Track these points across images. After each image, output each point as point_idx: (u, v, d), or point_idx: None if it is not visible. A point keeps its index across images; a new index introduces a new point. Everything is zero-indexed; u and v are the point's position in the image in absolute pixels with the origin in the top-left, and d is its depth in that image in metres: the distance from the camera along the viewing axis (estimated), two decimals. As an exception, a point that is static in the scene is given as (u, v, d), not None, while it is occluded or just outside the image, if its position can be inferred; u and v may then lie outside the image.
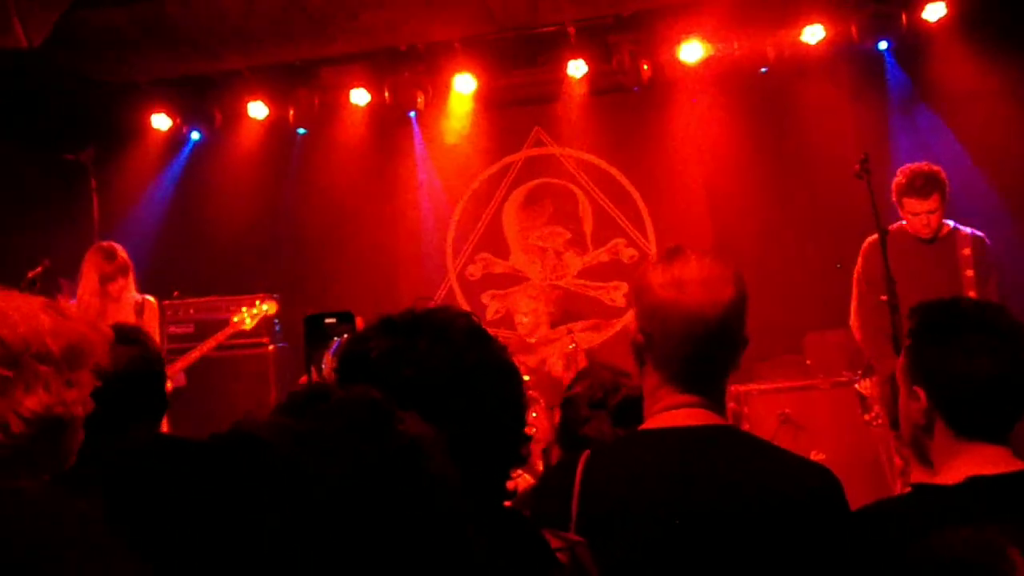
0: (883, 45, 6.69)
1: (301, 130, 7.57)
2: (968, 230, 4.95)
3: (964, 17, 6.41)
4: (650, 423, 1.81)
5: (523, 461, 1.51)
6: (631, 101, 7.41)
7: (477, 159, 7.76)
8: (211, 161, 7.78)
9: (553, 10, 6.56)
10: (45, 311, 1.60)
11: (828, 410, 5.60)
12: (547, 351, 6.73)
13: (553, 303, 7.40)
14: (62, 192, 6.78)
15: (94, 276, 5.39)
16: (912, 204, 4.86)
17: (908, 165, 4.95)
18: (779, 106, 7.08)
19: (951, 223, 4.97)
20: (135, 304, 5.48)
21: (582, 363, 6.03)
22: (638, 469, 1.75)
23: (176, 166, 7.83)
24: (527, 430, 1.54)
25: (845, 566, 1.66)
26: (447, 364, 1.42)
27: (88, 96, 6.94)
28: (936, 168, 4.89)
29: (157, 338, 5.45)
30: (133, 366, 2.29)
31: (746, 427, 5.48)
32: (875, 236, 4.76)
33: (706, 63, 6.85)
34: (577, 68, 6.98)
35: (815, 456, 4.92)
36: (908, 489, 1.87)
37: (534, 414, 5.81)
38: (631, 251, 7.53)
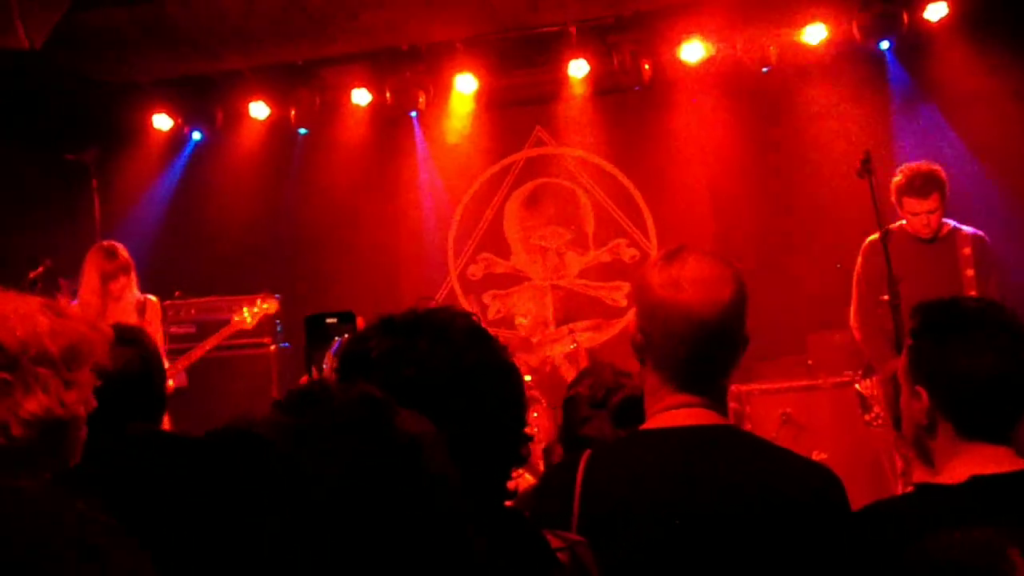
0: (885, 45, 6.68)
1: (302, 130, 7.57)
2: (969, 229, 4.94)
3: (965, 16, 6.41)
4: (651, 423, 1.81)
5: (523, 461, 1.51)
6: (632, 101, 7.41)
7: (478, 159, 7.76)
8: (212, 161, 7.79)
9: (554, 10, 6.56)
10: (43, 312, 1.60)
11: (830, 410, 5.60)
12: (549, 351, 6.73)
13: (554, 303, 7.40)
14: (63, 192, 6.79)
15: (95, 275, 5.39)
16: (912, 204, 4.85)
17: (907, 164, 4.93)
18: (781, 106, 7.08)
19: (951, 222, 4.95)
20: (137, 303, 5.49)
21: (584, 363, 6.03)
22: (639, 469, 1.75)
23: (177, 166, 7.83)
24: (528, 430, 1.54)
25: (847, 566, 1.66)
26: (447, 364, 1.42)
27: (89, 96, 6.95)
28: (935, 167, 4.87)
29: (159, 338, 5.46)
30: (131, 367, 2.29)
31: (748, 427, 5.47)
32: (875, 236, 4.75)
33: (707, 63, 6.85)
34: (578, 68, 6.98)
35: (817, 456, 4.92)
36: (910, 489, 1.87)
37: (535, 414, 5.81)
38: (632, 251, 7.53)
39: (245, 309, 5.88)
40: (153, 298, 5.64)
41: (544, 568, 1.43)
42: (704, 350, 1.74)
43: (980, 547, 1.16)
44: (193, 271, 7.29)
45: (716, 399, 1.79)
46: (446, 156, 7.77)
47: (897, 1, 6.45)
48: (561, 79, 7.23)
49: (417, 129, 7.73)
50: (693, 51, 6.74)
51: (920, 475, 1.87)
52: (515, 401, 1.50)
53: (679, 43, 6.74)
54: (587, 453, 1.80)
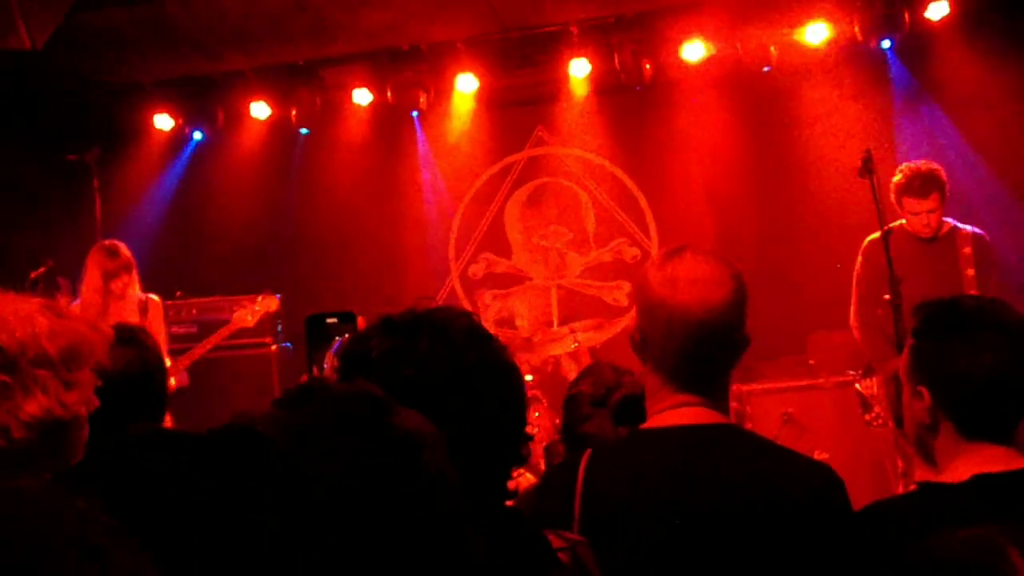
0: (886, 44, 6.67)
1: (303, 130, 7.57)
2: (969, 228, 4.92)
3: (967, 15, 6.41)
4: (652, 422, 1.80)
5: (524, 461, 1.51)
6: (633, 101, 7.40)
7: (479, 159, 7.77)
8: (213, 161, 7.79)
9: (555, 9, 6.56)
10: (43, 313, 1.60)
11: (831, 410, 5.59)
12: (551, 351, 6.73)
13: (556, 303, 7.40)
14: (64, 192, 6.79)
15: (97, 274, 5.40)
16: (911, 204, 4.83)
17: (907, 164, 4.92)
18: (782, 105, 7.08)
19: (951, 221, 4.94)
20: (139, 302, 5.49)
21: (586, 362, 6.03)
22: (640, 468, 1.75)
23: (178, 166, 7.84)
24: (529, 429, 1.54)
25: (848, 566, 1.66)
26: (447, 364, 1.42)
27: (91, 96, 6.96)
28: (935, 167, 4.85)
29: (162, 336, 5.46)
30: (132, 366, 2.29)
31: (749, 426, 5.47)
32: (875, 235, 4.74)
33: (708, 62, 6.84)
34: (579, 68, 6.98)
35: (818, 456, 4.91)
36: (912, 488, 1.86)
37: (536, 413, 5.81)
38: (634, 251, 7.52)
39: (246, 307, 5.88)
40: (155, 297, 5.65)
41: (545, 568, 1.43)
42: (702, 350, 1.74)
43: (981, 546, 1.15)
44: (194, 271, 7.30)
45: (717, 398, 1.79)
46: (447, 156, 7.77)
47: (898, 0, 6.45)
48: (562, 79, 7.22)
49: (418, 129, 7.73)
50: (694, 51, 6.74)
51: (922, 474, 1.87)
52: (515, 401, 1.50)
53: (680, 43, 6.74)
54: (588, 453, 1.80)
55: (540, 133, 7.74)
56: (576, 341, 6.45)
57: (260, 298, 5.94)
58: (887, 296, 4.40)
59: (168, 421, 2.96)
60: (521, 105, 7.70)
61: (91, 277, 5.42)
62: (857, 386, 5.01)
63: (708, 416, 1.76)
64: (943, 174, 4.83)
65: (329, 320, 2.16)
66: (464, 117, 7.57)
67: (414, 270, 7.79)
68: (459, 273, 7.78)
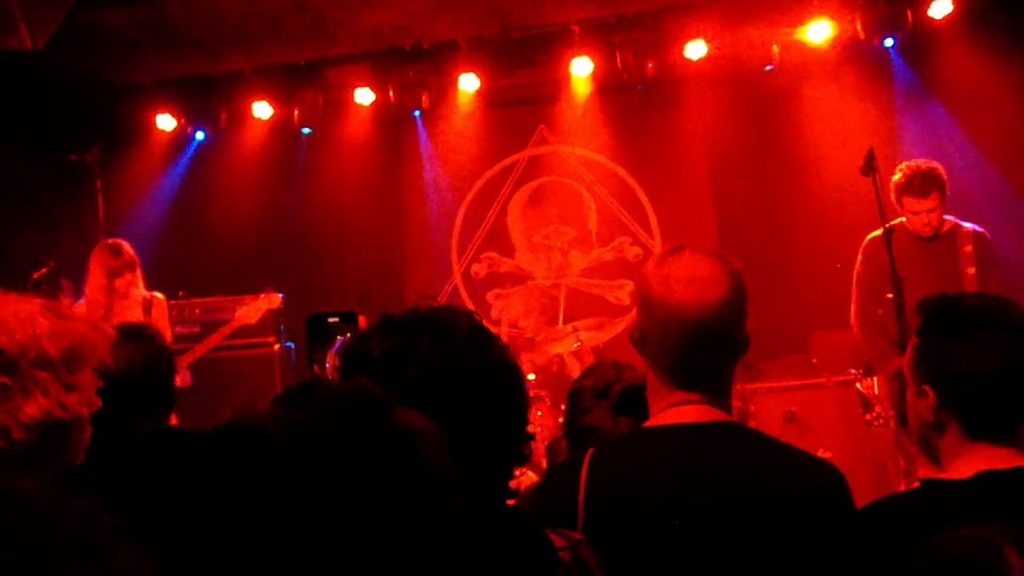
0: (889, 42, 6.66)
1: (306, 130, 7.57)
2: (970, 226, 4.89)
3: (970, 13, 6.40)
4: (654, 420, 1.80)
5: (526, 460, 1.51)
6: (635, 99, 7.40)
7: (481, 158, 7.77)
8: (216, 161, 7.80)
9: (557, 9, 6.55)
10: (44, 314, 1.60)
11: (834, 409, 5.59)
12: (553, 350, 6.73)
13: (559, 301, 7.40)
14: (67, 193, 6.79)
15: (101, 273, 5.40)
16: (911, 203, 4.81)
17: (907, 163, 4.89)
18: (784, 104, 7.07)
19: (952, 219, 4.91)
20: (143, 300, 5.49)
21: (589, 361, 6.03)
22: (642, 466, 1.74)
23: (181, 166, 7.84)
24: (530, 428, 1.53)
25: (851, 563, 1.65)
26: (449, 363, 1.42)
27: (92, 97, 6.96)
28: (935, 165, 4.83)
29: (167, 334, 5.46)
30: (137, 365, 2.29)
31: (752, 425, 5.46)
32: (876, 233, 4.73)
33: (710, 61, 6.84)
34: (581, 67, 6.98)
35: (821, 455, 4.90)
36: (915, 485, 1.86)
37: (539, 412, 5.81)
38: (636, 249, 7.52)
39: (248, 305, 5.88)
40: (159, 295, 5.65)
41: (546, 567, 1.43)
42: (699, 348, 1.73)
43: (980, 546, 1.15)
44: (197, 271, 7.30)
45: (718, 396, 1.79)
46: (449, 155, 7.77)
47: (901, -1, 6.44)
48: (564, 78, 7.22)
49: (421, 128, 7.74)
50: (696, 50, 6.73)
51: (925, 472, 1.86)
52: (517, 400, 1.50)
53: (682, 42, 6.73)
54: (591, 451, 1.80)
55: (542, 132, 7.73)
56: (579, 340, 6.45)
57: (262, 295, 5.94)
58: (889, 295, 4.39)
59: (172, 420, 2.97)
60: (523, 104, 7.70)
61: (95, 276, 5.42)
62: (858, 385, 5.00)
63: (710, 414, 1.76)
64: (943, 172, 4.81)
65: (331, 319, 2.17)
66: (466, 116, 7.57)
67: (417, 269, 7.79)
68: (461, 272, 7.78)
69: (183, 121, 7.54)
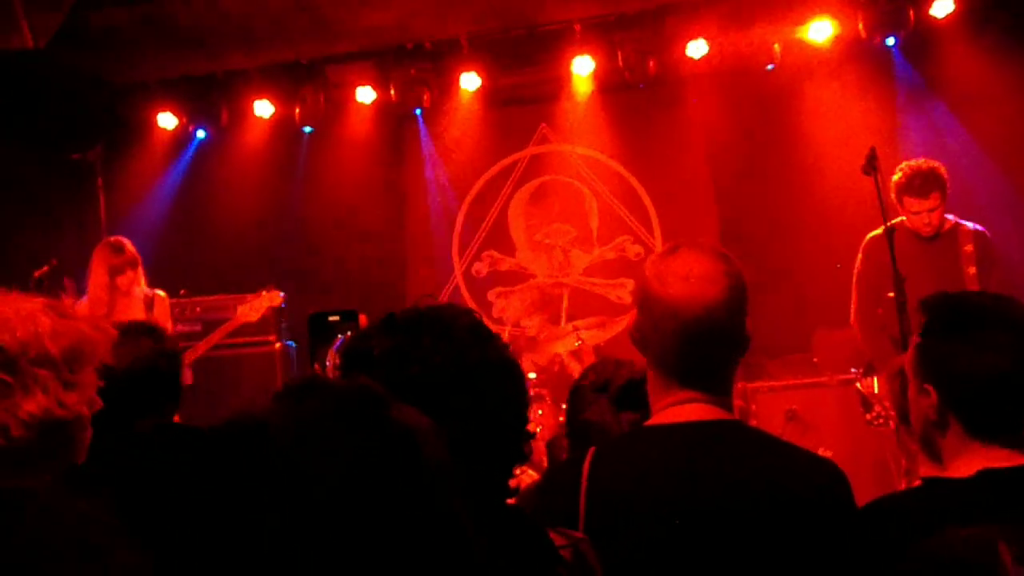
0: (891, 41, 6.66)
1: (307, 128, 7.57)
2: (971, 225, 4.88)
3: (972, 12, 6.39)
4: (656, 419, 1.80)
5: (526, 458, 1.51)
6: (637, 98, 7.40)
7: (483, 156, 7.77)
8: (217, 160, 7.80)
9: (559, 7, 6.55)
10: (45, 313, 1.60)
11: (835, 407, 5.58)
12: (554, 348, 6.73)
13: (560, 300, 7.40)
14: (69, 192, 6.81)
15: (103, 270, 5.41)
16: (912, 203, 4.80)
17: (907, 163, 4.88)
18: (786, 103, 7.06)
19: (953, 218, 4.90)
20: (145, 298, 5.50)
21: (590, 360, 6.03)
22: (644, 465, 1.74)
23: (182, 165, 7.84)
24: (531, 427, 1.53)
25: (853, 561, 1.65)
26: (450, 362, 1.42)
27: (94, 96, 6.96)
28: (935, 165, 4.81)
29: (169, 332, 5.46)
30: (142, 362, 2.29)
31: (753, 424, 5.46)
32: (876, 232, 4.72)
33: (712, 60, 6.83)
34: (583, 65, 6.97)
35: (822, 453, 4.90)
36: (917, 484, 1.85)
37: (540, 411, 5.81)
38: (637, 248, 7.52)
39: (250, 302, 5.87)
40: (161, 293, 5.65)
41: (546, 566, 1.42)
42: (696, 346, 1.73)
43: (979, 546, 1.15)
44: (198, 269, 7.30)
45: (719, 394, 1.78)
46: (451, 154, 7.77)
47: (902, -3, 6.44)
48: (565, 77, 7.22)
49: (422, 127, 7.74)
50: (697, 48, 6.73)
51: (926, 471, 1.86)
52: (517, 399, 1.50)
53: (683, 40, 6.73)
54: (592, 450, 1.80)
55: (543, 131, 7.73)
56: (580, 339, 6.45)
57: (264, 293, 5.93)
58: (890, 294, 4.38)
59: (174, 419, 2.97)
60: (524, 103, 7.70)
61: (97, 273, 5.43)
62: (858, 385, 5.00)
63: (711, 412, 1.76)
64: (944, 172, 4.79)
65: (331, 318, 2.17)
66: (468, 115, 7.57)
67: (418, 268, 7.79)
68: (463, 271, 7.78)
69: (184, 120, 7.54)
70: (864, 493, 1.77)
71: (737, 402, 5.41)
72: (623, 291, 7.48)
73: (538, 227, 7.72)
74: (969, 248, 4.79)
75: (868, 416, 4.92)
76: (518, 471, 1.52)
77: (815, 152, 6.91)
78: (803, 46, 6.75)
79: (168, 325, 5.54)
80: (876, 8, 6.44)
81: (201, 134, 7.78)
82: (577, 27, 6.85)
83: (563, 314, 7.29)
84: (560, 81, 7.31)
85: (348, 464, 0.91)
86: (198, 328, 6.36)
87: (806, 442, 5.14)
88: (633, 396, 2.27)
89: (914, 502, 1.78)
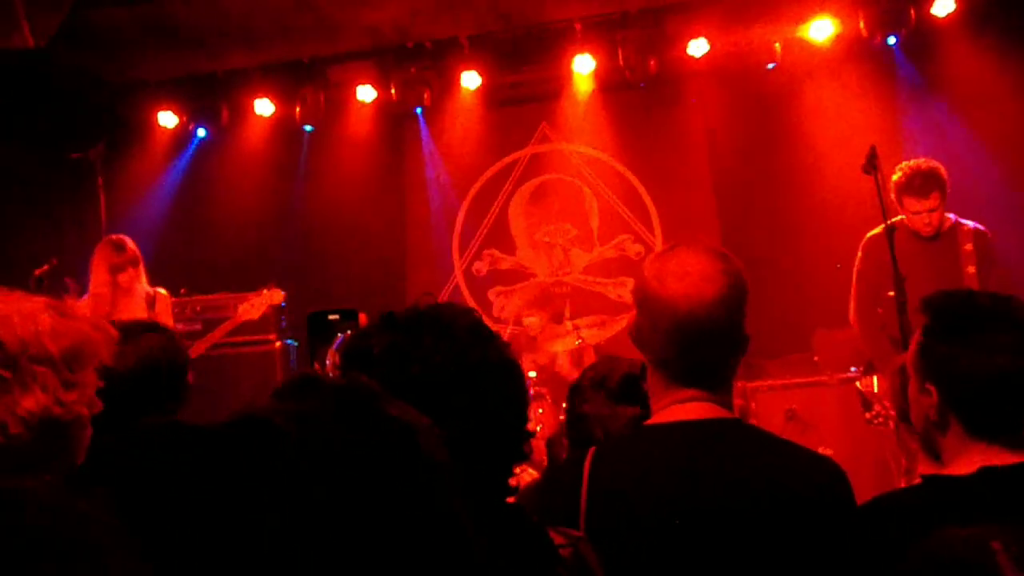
0: (892, 40, 6.65)
1: (308, 127, 7.58)
2: (971, 224, 4.87)
3: (973, 11, 6.39)
4: (656, 418, 1.80)
5: (525, 457, 1.51)
6: (638, 97, 7.40)
7: (483, 155, 7.77)
8: (218, 158, 7.80)
9: (560, 6, 6.55)
10: (46, 311, 1.60)
11: (835, 407, 5.58)
12: (555, 348, 6.73)
13: (561, 299, 7.40)
14: (69, 190, 6.81)
15: (104, 268, 5.41)
16: (912, 203, 4.79)
17: (907, 162, 4.87)
18: (787, 102, 7.06)
19: (953, 217, 4.89)
20: (147, 296, 5.50)
21: (590, 359, 6.03)
22: (645, 464, 1.74)
23: (183, 164, 7.85)
24: (531, 426, 1.53)
25: (853, 559, 1.65)
26: (451, 361, 1.42)
27: (94, 95, 6.96)
28: (935, 165, 4.80)
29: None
30: (147, 360, 2.29)
31: (753, 423, 5.46)
32: (876, 230, 4.72)
33: (712, 59, 6.83)
34: (584, 64, 6.97)
35: (822, 452, 4.90)
36: (916, 482, 1.85)
37: (540, 410, 5.81)
38: (637, 247, 7.52)
39: (251, 300, 5.87)
40: (163, 291, 5.65)
41: (546, 565, 1.42)
42: (694, 346, 1.73)
43: (978, 546, 1.15)
44: (198, 268, 7.30)
45: (719, 392, 1.78)
46: (451, 152, 7.77)
47: (903, -4, 6.43)
48: (566, 76, 7.22)
49: (422, 126, 7.74)
50: (698, 47, 6.73)
51: (926, 469, 1.86)
52: (517, 398, 1.49)
53: (684, 39, 6.73)
54: (593, 449, 1.80)
55: (544, 130, 7.73)
56: (580, 338, 6.45)
57: (265, 291, 5.93)
58: (891, 293, 4.38)
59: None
60: (525, 102, 7.70)
61: (98, 272, 5.43)
62: (857, 384, 4.99)
63: (711, 411, 1.76)
64: (944, 172, 4.78)
65: (331, 317, 2.17)
66: (468, 114, 7.57)
67: (418, 266, 7.79)
68: (463, 270, 7.78)
69: (185, 118, 7.54)
70: (864, 492, 1.77)
71: (737, 401, 5.41)
72: (623, 290, 7.48)
73: (538, 226, 7.73)
74: (969, 247, 4.78)
75: (868, 415, 4.91)
76: (518, 470, 1.52)
77: (816, 151, 6.91)
78: (804, 45, 6.75)
79: (170, 323, 5.53)
80: (877, 7, 6.44)
81: (201, 133, 7.78)
82: (578, 26, 6.85)
83: (566, 313, 7.29)
84: (561, 80, 7.31)
85: (348, 464, 0.91)
86: (198, 327, 6.36)
87: (806, 441, 5.13)
88: (631, 390, 2.28)
89: (914, 500, 1.78)
